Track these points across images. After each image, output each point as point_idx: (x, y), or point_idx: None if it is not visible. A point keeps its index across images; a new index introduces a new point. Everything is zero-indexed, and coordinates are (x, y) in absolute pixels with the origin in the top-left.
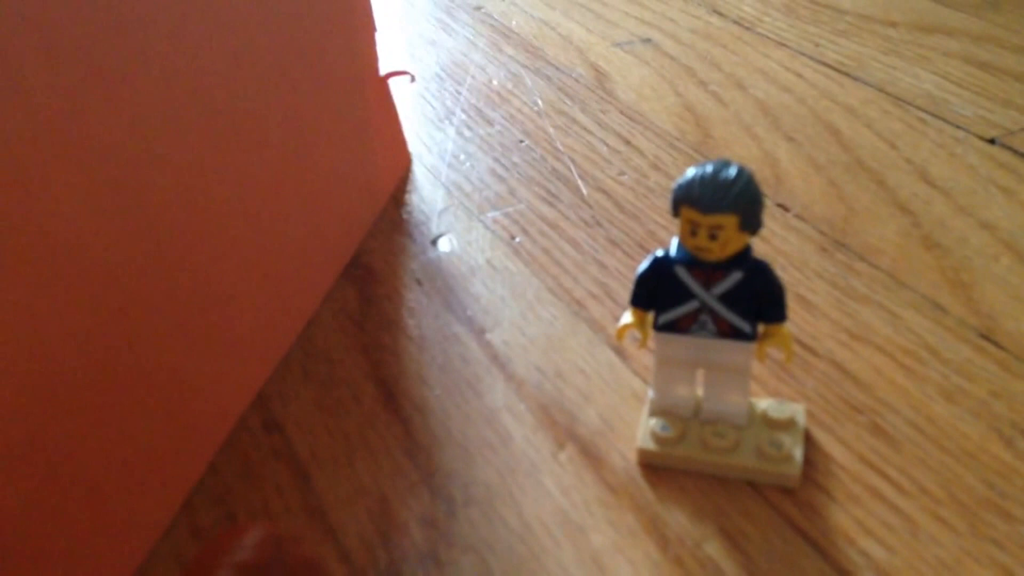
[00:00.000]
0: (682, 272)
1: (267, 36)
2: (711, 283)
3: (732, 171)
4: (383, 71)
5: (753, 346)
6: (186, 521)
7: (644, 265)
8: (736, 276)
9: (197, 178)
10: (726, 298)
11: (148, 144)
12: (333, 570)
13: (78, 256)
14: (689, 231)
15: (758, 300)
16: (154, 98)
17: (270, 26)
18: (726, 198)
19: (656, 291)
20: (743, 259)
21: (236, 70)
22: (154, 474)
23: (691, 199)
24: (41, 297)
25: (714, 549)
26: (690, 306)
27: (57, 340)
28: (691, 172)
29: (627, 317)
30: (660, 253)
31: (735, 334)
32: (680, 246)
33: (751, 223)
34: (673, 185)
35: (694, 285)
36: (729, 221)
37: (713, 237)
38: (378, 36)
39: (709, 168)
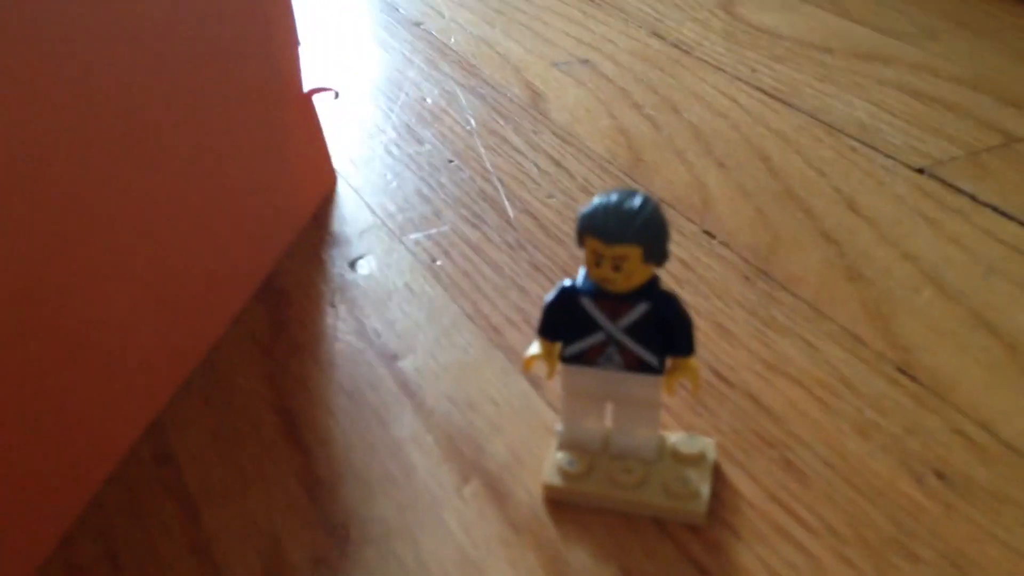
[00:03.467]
0: (588, 303)
1: (175, 45)
2: (617, 315)
3: (636, 201)
4: (308, 87)
5: (661, 379)
6: (62, 558)
7: (551, 295)
8: (642, 308)
9: (90, 189)
10: (632, 330)
11: (37, 151)
12: None
13: None
14: (594, 262)
15: (665, 333)
16: (48, 103)
17: (180, 34)
18: (629, 229)
19: (563, 322)
20: (649, 290)
21: (140, 78)
22: (29, 507)
23: (594, 229)
24: None
25: None
26: (596, 338)
27: None
28: (596, 201)
29: (535, 347)
30: (567, 283)
31: (642, 367)
32: (586, 277)
33: (655, 254)
34: (577, 215)
35: (600, 317)
36: (632, 252)
37: (617, 268)
38: (302, 50)
39: (613, 198)
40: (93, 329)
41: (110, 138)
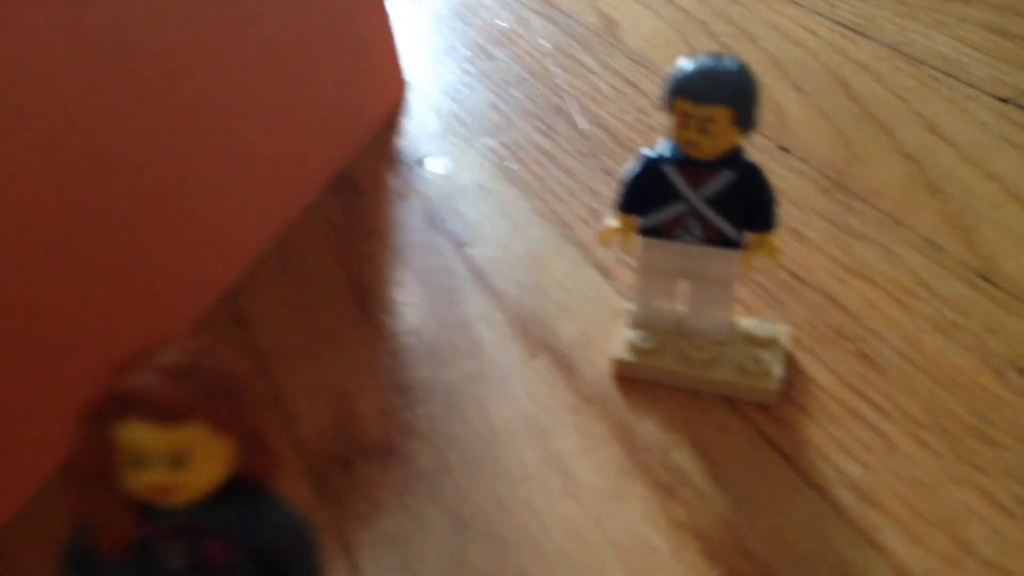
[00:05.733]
0: (670, 170)
1: None
2: (700, 183)
3: (729, 63)
4: None
5: (739, 255)
6: None
7: (633, 165)
8: (726, 176)
9: (189, 67)
10: (714, 200)
11: (146, 31)
12: (285, 456)
13: (59, 106)
14: (681, 123)
15: (747, 205)
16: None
17: None
18: (720, 89)
19: (644, 191)
20: (735, 159)
21: None
22: (105, 356)
23: (684, 89)
24: (11, 146)
25: (683, 457)
26: (676, 208)
27: (24, 194)
28: (686, 62)
29: (612, 222)
30: (649, 152)
31: (722, 241)
32: (670, 144)
33: (744, 118)
34: (667, 76)
35: (682, 185)
36: (722, 114)
37: (704, 131)
38: None
39: (705, 59)
40: (178, 189)
41: (203, 28)
